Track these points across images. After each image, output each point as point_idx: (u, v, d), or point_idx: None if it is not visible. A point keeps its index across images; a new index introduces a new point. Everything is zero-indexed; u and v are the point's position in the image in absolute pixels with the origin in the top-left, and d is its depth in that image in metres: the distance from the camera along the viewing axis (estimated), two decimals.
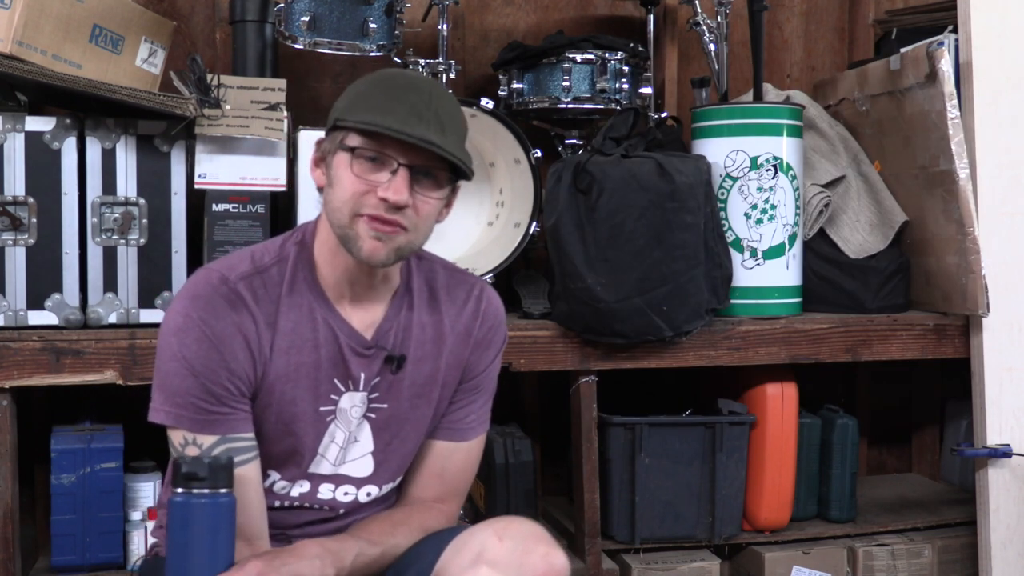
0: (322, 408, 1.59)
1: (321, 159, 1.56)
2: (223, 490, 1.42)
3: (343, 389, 1.59)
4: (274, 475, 1.61)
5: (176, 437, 1.51)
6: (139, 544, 2.29)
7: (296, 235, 1.61)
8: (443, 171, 1.51)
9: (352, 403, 1.60)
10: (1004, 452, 2.52)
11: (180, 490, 1.41)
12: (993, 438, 2.54)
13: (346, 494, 1.65)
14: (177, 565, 1.41)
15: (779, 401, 2.56)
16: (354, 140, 1.48)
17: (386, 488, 1.69)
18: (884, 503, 2.90)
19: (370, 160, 1.47)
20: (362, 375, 1.60)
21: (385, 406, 1.63)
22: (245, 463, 1.52)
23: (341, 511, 1.67)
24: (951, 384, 3.12)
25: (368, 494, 1.67)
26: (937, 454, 3.25)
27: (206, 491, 1.40)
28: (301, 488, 1.63)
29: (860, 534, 2.68)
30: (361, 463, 1.64)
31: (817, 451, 2.69)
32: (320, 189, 1.57)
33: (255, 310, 1.52)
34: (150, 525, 2.28)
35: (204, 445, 1.50)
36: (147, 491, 2.31)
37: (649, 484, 2.50)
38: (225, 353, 1.50)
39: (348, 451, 1.63)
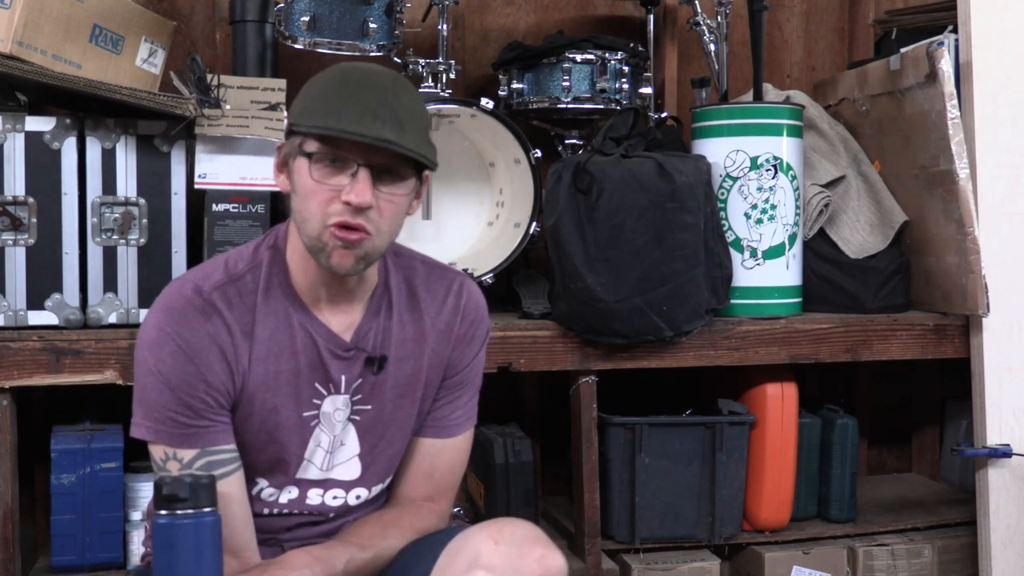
0: (305, 414, 1.57)
1: (283, 164, 1.53)
2: (207, 509, 1.39)
3: (325, 393, 1.58)
4: (262, 482, 1.60)
5: (157, 452, 1.50)
6: (139, 544, 2.28)
7: (269, 239, 1.59)
8: (405, 166, 1.48)
9: (335, 406, 1.59)
10: (1004, 452, 2.51)
11: (163, 512, 1.39)
12: (993, 438, 2.54)
13: (335, 498, 1.64)
14: None
15: (779, 401, 2.56)
16: (311, 145, 1.45)
17: (375, 490, 1.68)
18: (884, 503, 2.90)
19: (330, 163, 1.45)
20: (343, 378, 1.58)
21: (369, 407, 1.61)
22: (227, 475, 1.50)
23: (331, 514, 1.65)
24: (951, 384, 3.12)
25: (357, 497, 1.66)
26: (937, 454, 3.25)
27: (189, 511, 1.38)
28: (289, 494, 1.62)
29: (860, 534, 2.68)
30: (348, 466, 1.63)
31: (817, 451, 2.69)
32: (287, 195, 1.54)
33: (230, 320, 1.51)
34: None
35: (184, 459, 1.49)
36: (147, 491, 2.30)
37: (649, 484, 2.50)
38: (201, 366, 1.48)
39: (335, 455, 1.61)
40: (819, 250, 2.70)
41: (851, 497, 2.71)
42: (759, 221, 2.54)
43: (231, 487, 1.51)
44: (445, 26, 2.61)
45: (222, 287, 1.52)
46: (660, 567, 2.49)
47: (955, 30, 2.60)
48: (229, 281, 1.53)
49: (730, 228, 2.54)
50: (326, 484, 1.62)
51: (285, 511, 1.63)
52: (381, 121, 1.42)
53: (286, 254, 1.57)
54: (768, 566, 2.54)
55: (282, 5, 2.40)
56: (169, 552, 1.39)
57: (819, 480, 2.71)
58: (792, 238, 2.57)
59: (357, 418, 1.61)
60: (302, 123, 1.45)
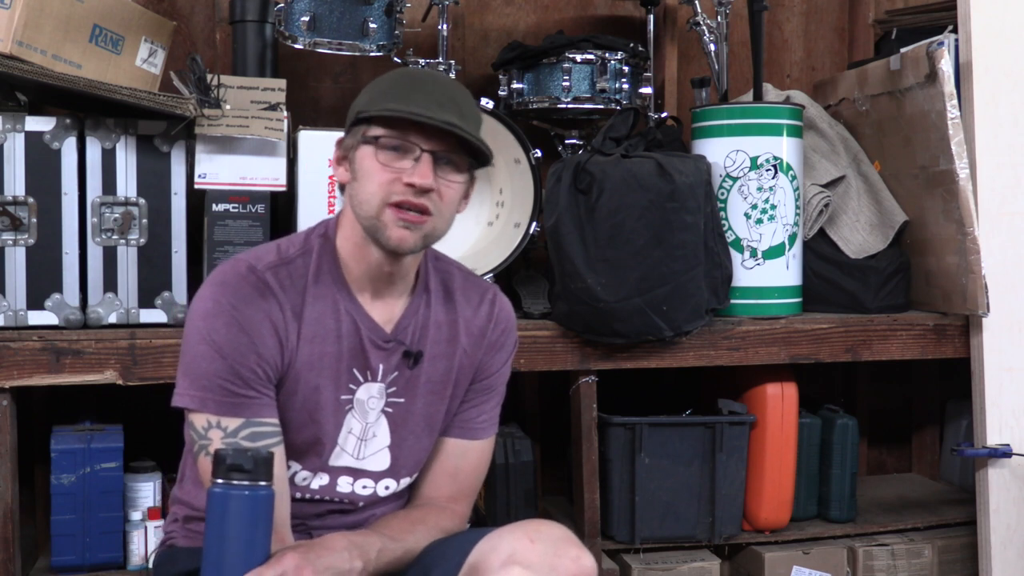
0: (343, 397, 1.63)
1: (343, 156, 1.61)
2: (263, 483, 1.41)
3: (361, 380, 1.63)
4: (296, 466, 1.64)
5: (199, 421, 1.53)
6: (139, 544, 2.28)
7: (319, 228, 1.66)
8: (462, 157, 1.57)
9: (370, 394, 1.64)
10: (1004, 452, 2.52)
11: (220, 481, 1.40)
12: (993, 438, 2.54)
13: (364, 487, 1.69)
14: (215, 556, 1.40)
15: (779, 401, 2.56)
16: (377, 131, 1.54)
17: (404, 482, 1.73)
18: (884, 503, 2.90)
19: (393, 149, 1.53)
20: (381, 367, 1.64)
21: (402, 400, 1.67)
22: (269, 448, 1.53)
23: (360, 503, 1.70)
24: (951, 384, 3.12)
25: (387, 487, 1.70)
26: (937, 454, 3.25)
27: (246, 483, 1.39)
28: (321, 480, 1.66)
29: (860, 534, 2.68)
30: (379, 457, 1.68)
31: (817, 451, 2.69)
32: (342, 188, 1.61)
33: (282, 299, 1.57)
34: (150, 525, 2.28)
35: (229, 428, 1.52)
36: (147, 491, 2.31)
37: (649, 484, 2.50)
38: (254, 337, 1.53)
39: (366, 445, 1.66)
40: (819, 250, 2.70)
41: (851, 497, 2.71)
42: (759, 221, 2.54)
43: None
44: (445, 26, 2.61)
45: (274, 268, 1.58)
46: (660, 567, 2.49)
47: (955, 30, 2.60)
48: (281, 263, 1.59)
49: (730, 228, 2.54)
50: (356, 473, 1.67)
51: (316, 497, 1.67)
52: (446, 110, 1.52)
53: (336, 243, 1.63)
54: (768, 566, 2.54)
55: (282, 5, 2.40)
56: (223, 523, 1.40)
57: (819, 480, 2.71)
58: (792, 238, 2.57)
59: (390, 410, 1.67)
60: (371, 108, 1.54)
